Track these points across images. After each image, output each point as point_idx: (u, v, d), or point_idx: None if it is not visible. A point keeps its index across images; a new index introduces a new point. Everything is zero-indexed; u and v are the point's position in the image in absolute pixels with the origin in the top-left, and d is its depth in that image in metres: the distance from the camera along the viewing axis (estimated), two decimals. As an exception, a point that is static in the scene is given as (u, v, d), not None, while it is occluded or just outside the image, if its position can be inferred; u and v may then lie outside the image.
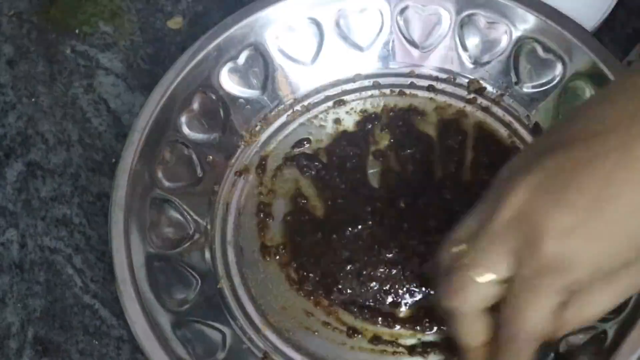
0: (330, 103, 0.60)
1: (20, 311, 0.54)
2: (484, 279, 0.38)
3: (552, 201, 0.36)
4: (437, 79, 0.60)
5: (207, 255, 0.54)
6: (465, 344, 0.41)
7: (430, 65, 0.60)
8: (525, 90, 0.58)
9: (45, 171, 0.59)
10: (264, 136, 0.59)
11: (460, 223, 0.42)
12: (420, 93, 0.59)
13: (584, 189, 0.36)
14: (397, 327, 0.50)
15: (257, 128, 0.59)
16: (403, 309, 0.50)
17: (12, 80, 0.63)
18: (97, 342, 0.52)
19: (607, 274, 0.37)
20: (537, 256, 0.36)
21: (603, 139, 0.36)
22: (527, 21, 0.57)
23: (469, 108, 0.58)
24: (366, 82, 0.60)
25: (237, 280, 0.53)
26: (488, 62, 0.59)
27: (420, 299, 0.51)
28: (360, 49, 0.60)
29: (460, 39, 0.59)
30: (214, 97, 0.57)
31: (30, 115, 0.62)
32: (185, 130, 0.56)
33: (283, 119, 0.59)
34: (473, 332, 0.41)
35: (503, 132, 0.57)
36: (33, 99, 0.63)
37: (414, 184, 0.55)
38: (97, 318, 0.53)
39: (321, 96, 0.60)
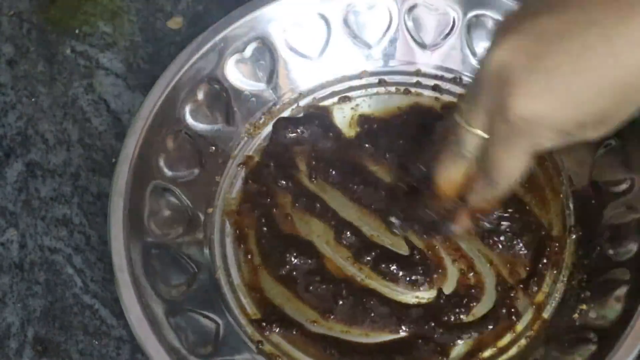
0: (335, 99, 0.60)
1: (20, 311, 0.53)
2: (472, 130, 0.42)
3: (528, 63, 0.38)
4: (442, 78, 0.60)
5: (205, 245, 0.54)
6: (448, 178, 0.46)
7: (437, 64, 0.60)
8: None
9: (45, 171, 0.59)
10: (267, 129, 0.59)
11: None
12: (426, 92, 0.59)
13: (560, 54, 0.38)
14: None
15: (261, 121, 0.59)
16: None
17: (12, 80, 0.63)
18: (97, 342, 0.52)
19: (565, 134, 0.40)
20: (508, 115, 0.39)
21: (586, 11, 0.38)
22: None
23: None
24: (372, 79, 0.60)
25: (234, 271, 0.53)
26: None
27: None
28: (367, 45, 0.60)
29: (467, 39, 0.59)
30: (219, 89, 0.57)
31: (30, 115, 0.62)
32: (189, 120, 0.56)
33: (287, 112, 0.59)
34: (456, 170, 0.45)
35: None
36: (33, 99, 0.62)
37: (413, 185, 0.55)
38: (97, 318, 0.53)
39: (327, 91, 0.60)
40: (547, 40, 0.38)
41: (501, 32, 0.41)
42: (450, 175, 0.46)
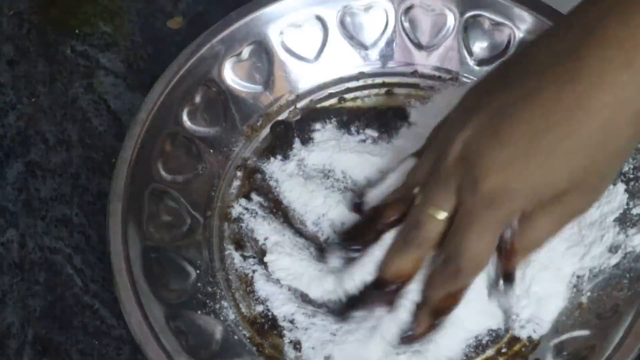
0: (333, 100, 0.60)
1: (20, 311, 0.54)
2: (440, 216, 0.42)
3: (491, 138, 0.39)
4: (440, 79, 0.60)
5: (205, 248, 0.54)
6: (405, 269, 0.45)
7: (434, 65, 0.60)
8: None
9: (45, 171, 0.59)
10: (265, 131, 0.59)
11: (418, 161, 0.46)
12: (423, 93, 0.59)
13: (520, 123, 0.38)
14: None
15: (259, 123, 0.59)
16: None
17: (12, 80, 0.63)
18: (97, 342, 0.52)
19: (545, 203, 0.40)
20: (477, 191, 0.39)
21: (538, 76, 0.38)
22: (530, 23, 0.57)
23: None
24: (369, 81, 0.60)
25: (232, 274, 0.53)
26: (491, 63, 0.59)
27: None
28: (364, 47, 0.60)
29: (464, 40, 0.59)
30: (216, 91, 0.57)
31: (30, 115, 0.62)
32: (187, 123, 0.56)
33: (285, 115, 0.59)
34: (413, 260, 0.44)
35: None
36: (33, 99, 0.63)
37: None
38: (97, 318, 0.53)
39: (324, 93, 0.60)
40: (506, 114, 0.39)
41: (461, 111, 0.42)
42: (403, 266, 0.45)
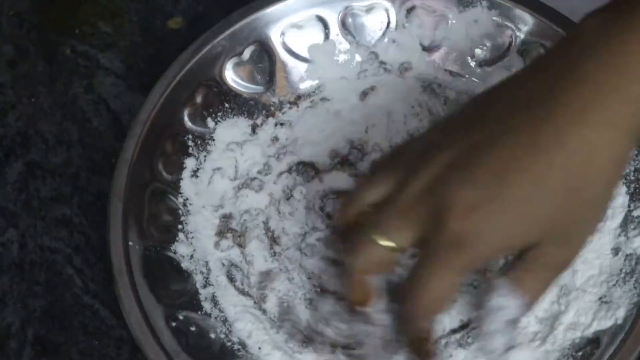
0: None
1: (20, 311, 0.54)
2: (385, 243, 0.39)
3: (459, 178, 0.37)
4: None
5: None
6: (350, 299, 0.43)
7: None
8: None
9: (45, 171, 0.59)
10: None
11: (370, 181, 0.44)
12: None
13: (489, 166, 0.37)
14: None
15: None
16: None
17: (12, 80, 0.63)
18: (97, 342, 0.52)
19: (528, 262, 0.38)
20: (441, 231, 0.37)
21: (512, 114, 0.37)
22: (531, 25, 0.57)
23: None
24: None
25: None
26: (492, 64, 0.59)
27: None
28: (365, 47, 0.60)
29: (465, 41, 0.59)
30: (217, 92, 0.57)
31: (30, 115, 0.62)
32: (188, 123, 0.56)
33: (286, 115, 0.59)
34: (359, 289, 0.42)
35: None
36: (33, 99, 0.62)
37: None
38: (97, 318, 0.53)
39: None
40: (478, 152, 0.37)
41: (429, 144, 0.40)
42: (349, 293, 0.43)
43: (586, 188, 0.36)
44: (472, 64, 0.59)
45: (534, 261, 0.38)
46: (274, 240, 0.53)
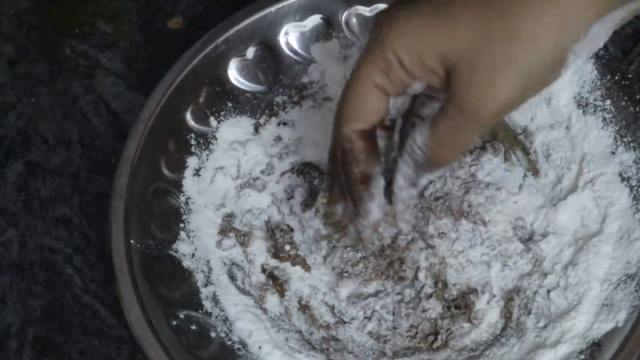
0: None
1: (20, 311, 0.54)
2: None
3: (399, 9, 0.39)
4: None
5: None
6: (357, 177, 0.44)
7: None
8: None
9: (45, 171, 0.59)
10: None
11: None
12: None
13: (498, 45, 0.37)
14: None
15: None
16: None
17: (12, 80, 0.63)
18: (97, 342, 0.52)
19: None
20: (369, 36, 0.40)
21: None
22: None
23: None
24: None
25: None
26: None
27: None
28: (370, 48, 0.60)
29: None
30: (220, 91, 0.57)
31: (30, 115, 0.62)
32: (191, 122, 0.56)
33: (289, 115, 0.59)
34: (361, 157, 0.44)
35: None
36: (33, 99, 0.62)
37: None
38: (97, 318, 0.53)
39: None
40: (487, 38, 0.37)
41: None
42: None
43: (510, 19, 0.37)
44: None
45: (448, 105, 0.40)
46: (275, 240, 0.53)
